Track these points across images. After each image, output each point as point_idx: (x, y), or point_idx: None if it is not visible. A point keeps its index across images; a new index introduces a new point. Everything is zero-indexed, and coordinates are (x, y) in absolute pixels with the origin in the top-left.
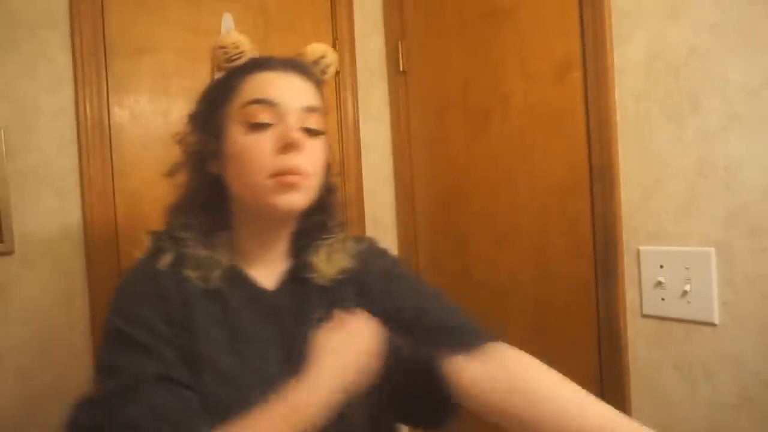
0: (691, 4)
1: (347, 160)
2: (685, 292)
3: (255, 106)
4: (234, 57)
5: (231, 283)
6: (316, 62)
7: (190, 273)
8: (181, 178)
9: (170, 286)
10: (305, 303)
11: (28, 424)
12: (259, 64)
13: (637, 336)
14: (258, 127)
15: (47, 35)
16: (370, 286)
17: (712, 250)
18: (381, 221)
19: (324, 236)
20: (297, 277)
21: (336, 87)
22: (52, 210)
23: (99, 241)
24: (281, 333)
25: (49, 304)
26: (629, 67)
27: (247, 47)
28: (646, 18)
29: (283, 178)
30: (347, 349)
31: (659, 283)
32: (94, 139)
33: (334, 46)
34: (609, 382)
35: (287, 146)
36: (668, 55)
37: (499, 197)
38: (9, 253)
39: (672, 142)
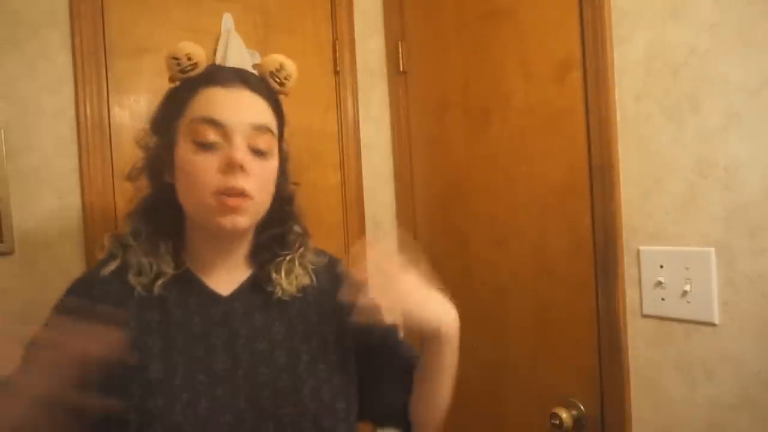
0: (691, 4)
1: (347, 160)
2: (685, 292)
3: (201, 125)
4: (187, 68)
5: (179, 290)
6: (272, 74)
7: (133, 280)
8: (143, 182)
9: (102, 295)
10: (262, 313)
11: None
12: (210, 79)
13: (637, 336)
14: (204, 146)
15: (48, 35)
16: (328, 306)
17: (712, 250)
18: (381, 221)
19: (284, 251)
20: (256, 287)
21: (336, 87)
22: (52, 210)
23: (99, 241)
24: (230, 339)
25: (49, 304)
26: (629, 67)
27: (201, 58)
28: (646, 18)
29: (225, 200)
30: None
31: (659, 283)
32: (94, 139)
33: (334, 46)
34: (609, 382)
35: (229, 167)
36: (668, 55)
37: (499, 197)
38: (9, 253)
39: (672, 142)
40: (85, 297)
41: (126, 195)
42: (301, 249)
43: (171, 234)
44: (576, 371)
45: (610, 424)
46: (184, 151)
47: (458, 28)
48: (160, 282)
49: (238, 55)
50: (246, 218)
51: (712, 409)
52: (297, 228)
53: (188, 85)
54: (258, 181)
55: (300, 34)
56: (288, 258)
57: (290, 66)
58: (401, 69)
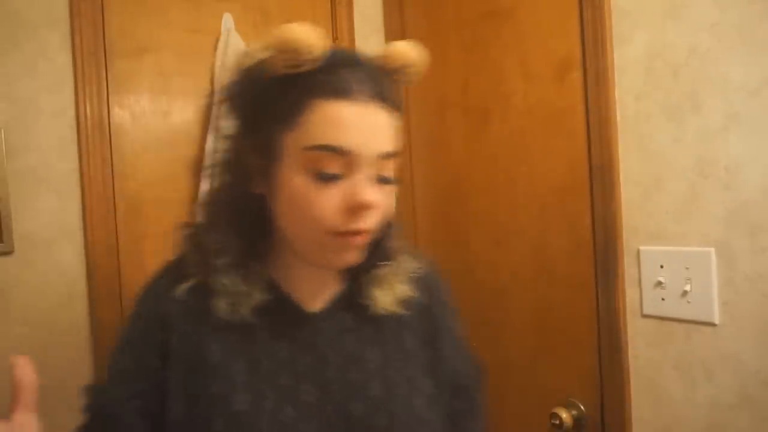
0: (691, 4)
1: None
2: (685, 292)
3: (323, 153)
4: (301, 63)
5: (265, 310)
6: (399, 70)
7: (220, 304)
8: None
9: (183, 310)
10: (353, 336)
11: None
12: (334, 89)
13: (637, 336)
14: (324, 177)
15: (47, 35)
16: (437, 319)
17: (712, 250)
18: None
19: (382, 262)
20: (348, 303)
21: None
22: (52, 210)
23: (99, 241)
24: (318, 367)
25: (49, 304)
26: (629, 66)
27: (319, 52)
28: (646, 18)
29: (344, 241)
30: None
31: (659, 283)
32: (94, 139)
33: None
34: (609, 382)
35: (355, 209)
36: (668, 55)
37: (498, 197)
38: (9, 253)
39: (672, 141)
40: (163, 314)
41: (126, 195)
42: (400, 257)
43: (262, 254)
44: (576, 371)
45: (610, 424)
46: (295, 177)
47: (458, 28)
48: (248, 307)
49: (238, 55)
50: (361, 253)
51: (712, 409)
52: (395, 232)
53: (301, 86)
54: (380, 213)
55: None
56: (386, 268)
57: (421, 62)
58: None
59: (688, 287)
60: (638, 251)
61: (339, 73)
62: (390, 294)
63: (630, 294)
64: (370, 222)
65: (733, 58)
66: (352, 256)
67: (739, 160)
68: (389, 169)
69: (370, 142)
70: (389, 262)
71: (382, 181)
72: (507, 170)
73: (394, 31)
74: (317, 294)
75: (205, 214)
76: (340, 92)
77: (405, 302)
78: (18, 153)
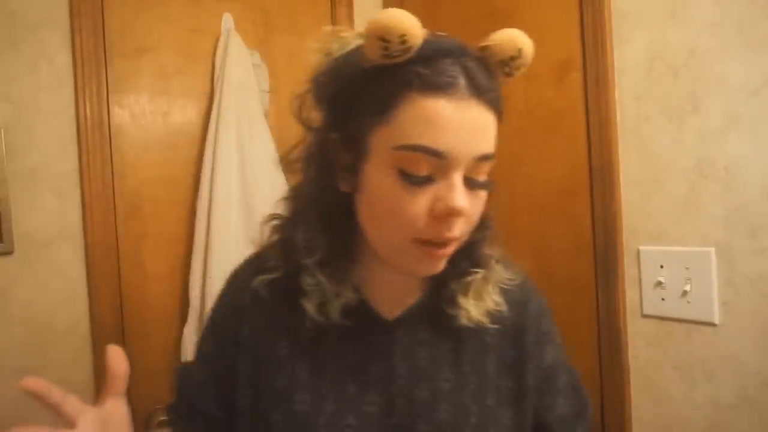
0: (691, 5)
1: None
2: (685, 292)
3: (416, 155)
4: (396, 53)
5: (344, 313)
6: (505, 62)
7: (308, 306)
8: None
9: (256, 307)
10: (428, 350)
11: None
12: (435, 82)
13: (637, 336)
14: (414, 180)
15: (47, 35)
16: (526, 345)
17: (712, 250)
18: None
19: (472, 269)
20: (427, 313)
21: None
22: (52, 210)
23: (99, 241)
24: (386, 378)
25: (49, 304)
26: (629, 67)
27: (418, 40)
28: (646, 18)
29: (432, 251)
30: None
31: (659, 283)
32: (94, 139)
33: None
34: (609, 382)
35: (446, 216)
36: (668, 56)
37: (498, 198)
38: (9, 253)
39: (672, 142)
40: (240, 304)
41: (126, 195)
42: (493, 265)
43: (351, 255)
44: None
45: (610, 424)
46: (382, 177)
47: (458, 28)
48: (339, 310)
49: (238, 54)
50: (444, 262)
51: (712, 409)
52: (489, 238)
53: (396, 79)
54: (470, 220)
55: (300, 33)
56: (476, 276)
57: (530, 51)
58: None
59: (688, 287)
60: (638, 251)
61: (439, 65)
62: (479, 305)
63: (630, 294)
64: (458, 230)
65: (733, 59)
66: (435, 267)
67: (739, 161)
68: (483, 173)
69: (467, 144)
70: (480, 270)
71: (475, 185)
72: (507, 171)
73: None
74: (396, 300)
75: (292, 209)
76: (440, 87)
77: (494, 317)
78: (18, 153)
